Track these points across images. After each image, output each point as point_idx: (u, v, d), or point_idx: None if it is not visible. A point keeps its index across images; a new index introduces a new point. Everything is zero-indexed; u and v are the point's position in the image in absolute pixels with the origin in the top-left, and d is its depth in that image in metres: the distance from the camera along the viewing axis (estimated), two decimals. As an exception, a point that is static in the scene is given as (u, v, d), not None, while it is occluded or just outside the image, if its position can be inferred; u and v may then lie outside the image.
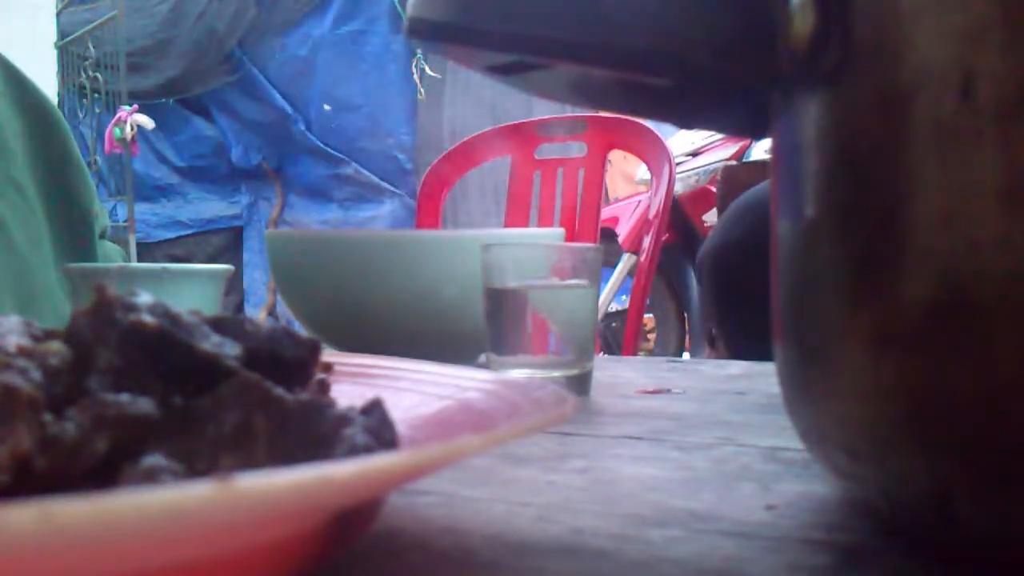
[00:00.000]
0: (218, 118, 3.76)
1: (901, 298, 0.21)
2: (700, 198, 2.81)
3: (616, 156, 3.06)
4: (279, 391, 0.21)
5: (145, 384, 0.21)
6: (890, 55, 0.21)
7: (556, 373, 0.50)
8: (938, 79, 0.20)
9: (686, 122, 0.32)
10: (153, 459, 0.19)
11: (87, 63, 3.56)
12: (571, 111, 1.65)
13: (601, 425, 0.42)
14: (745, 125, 0.30)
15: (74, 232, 0.93)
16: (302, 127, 3.62)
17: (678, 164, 2.60)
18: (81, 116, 3.61)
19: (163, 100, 3.70)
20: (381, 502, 0.23)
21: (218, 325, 0.23)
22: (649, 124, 1.49)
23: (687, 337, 3.14)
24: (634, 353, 1.46)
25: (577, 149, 1.51)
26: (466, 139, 1.61)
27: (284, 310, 3.44)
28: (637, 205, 2.75)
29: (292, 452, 0.20)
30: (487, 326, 0.51)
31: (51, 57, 3.74)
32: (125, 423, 0.20)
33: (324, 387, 0.25)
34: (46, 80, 3.34)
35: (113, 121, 2.94)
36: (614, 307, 2.57)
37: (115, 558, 0.15)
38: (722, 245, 0.92)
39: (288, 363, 0.23)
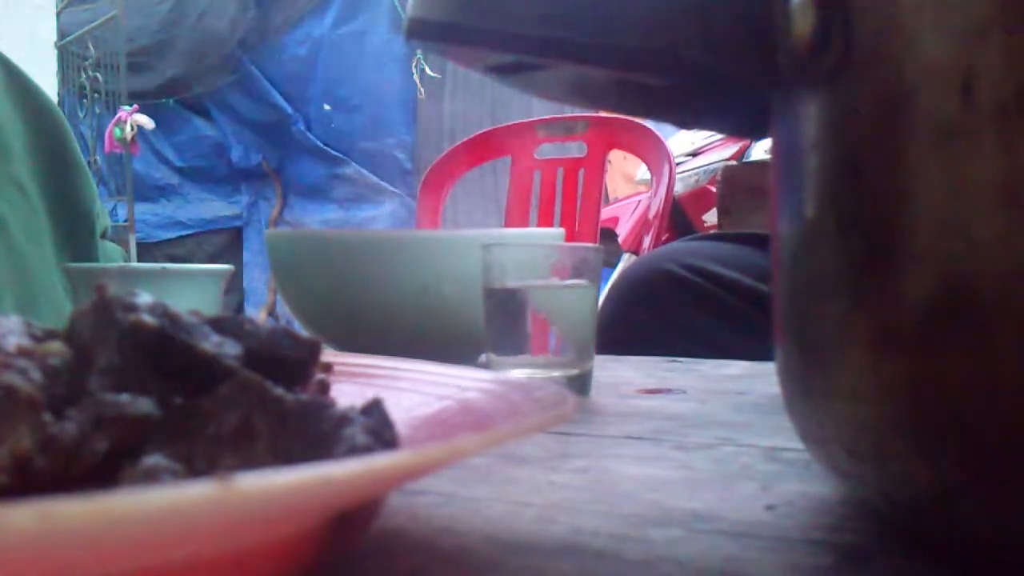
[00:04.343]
0: (218, 118, 3.76)
1: (901, 298, 0.21)
2: (700, 198, 2.81)
3: (616, 156, 3.06)
4: (279, 391, 0.21)
5: (145, 384, 0.21)
6: (890, 55, 0.21)
7: (556, 373, 0.50)
8: (938, 79, 0.20)
9: (686, 122, 0.32)
10: (153, 459, 0.19)
11: (87, 63, 3.56)
12: (571, 111, 1.65)
13: (601, 425, 0.42)
14: (745, 125, 0.30)
15: (75, 232, 0.93)
16: (302, 127, 3.63)
17: (678, 164, 2.60)
18: (81, 116, 3.61)
19: (163, 100, 3.70)
20: (381, 502, 0.23)
21: (218, 325, 0.23)
22: (649, 124, 1.49)
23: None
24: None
25: (577, 149, 1.51)
26: (465, 139, 1.62)
27: (284, 310, 3.44)
28: (637, 205, 2.75)
29: (292, 452, 0.20)
30: (487, 326, 0.51)
31: (51, 57, 3.74)
32: (125, 423, 0.20)
33: (324, 387, 0.25)
34: (46, 80, 3.34)
35: (113, 121, 2.93)
36: (614, 307, 2.57)
37: (115, 558, 0.15)
38: (602, 319, 1.00)
39: (288, 363, 0.23)
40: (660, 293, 0.93)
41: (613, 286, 1.03)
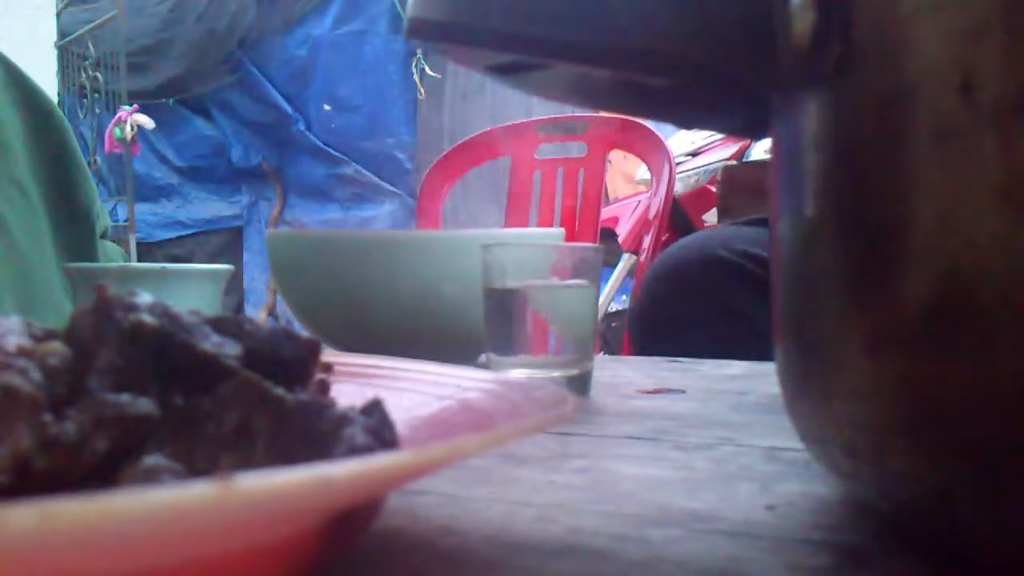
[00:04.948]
0: (218, 118, 3.76)
1: (901, 298, 0.21)
2: (700, 198, 2.81)
3: (616, 156, 3.06)
4: (279, 391, 0.21)
5: (145, 384, 0.21)
6: (890, 55, 0.21)
7: (556, 373, 0.50)
8: (938, 79, 0.20)
9: (686, 122, 0.32)
10: (153, 459, 0.19)
11: (87, 63, 3.56)
12: (571, 111, 1.65)
13: (601, 425, 0.42)
14: (745, 125, 0.30)
15: (75, 232, 0.93)
16: (302, 127, 3.62)
17: (678, 164, 2.60)
18: (81, 116, 3.60)
19: (163, 100, 3.70)
20: (381, 502, 0.23)
21: (218, 325, 0.23)
22: (649, 124, 1.49)
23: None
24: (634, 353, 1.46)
25: (577, 149, 1.51)
26: (466, 139, 1.62)
27: (284, 310, 3.44)
28: (637, 205, 2.74)
29: (292, 452, 0.20)
30: (487, 326, 0.51)
31: (51, 57, 3.74)
32: (125, 423, 0.20)
33: (324, 387, 0.25)
34: (46, 80, 3.34)
35: (113, 121, 2.93)
36: (614, 307, 2.57)
37: (115, 558, 0.15)
38: (639, 310, 0.96)
39: (288, 363, 0.23)
40: (710, 278, 0.92)
41: (654, 273, 1.00)
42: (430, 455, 0.18)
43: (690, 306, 0.92)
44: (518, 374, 0.48)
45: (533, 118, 1.69)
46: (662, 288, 0.95)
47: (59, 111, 0.97)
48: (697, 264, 0.93)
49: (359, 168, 3.59)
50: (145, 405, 0.20)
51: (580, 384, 0.50)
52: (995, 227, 0.19)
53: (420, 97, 3.54)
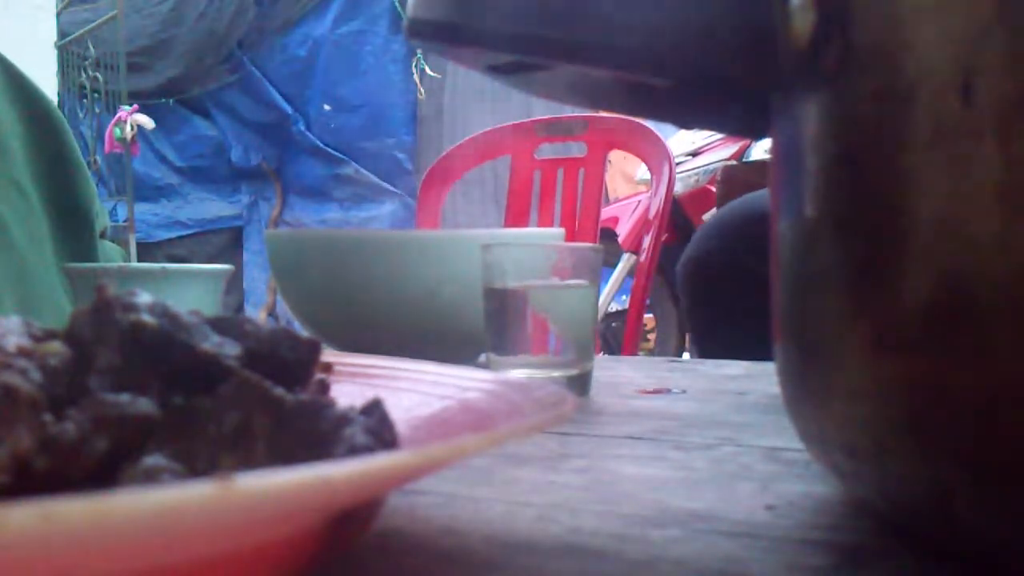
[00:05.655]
0: (218, 118, 3.76)
1: (901, 298, 0.21)
2: (700, 198, 2.81)
3: (616, 156, 3.06)
4: (279, 391, 0.21)
5: (145, 384, 0.21)
6: (890, 55, 0.21)
7: (556, 373, 0.50)
8: (938, 79, 0.20)
9: (686, 122, 0.32)
10: (153, 459, 0.19)
11: (87, 63, 3.56)
12: (571, 111, 1.65)
13: (601, 425, 0.42)
14: (745, 125, 0.30)
15: (74, 232, 0.93)
16: (302, 127, 3.63)
17: (678, 164, 2.60)
18: (81, 116, 3.61)
19: (163, 100, 3.71)
20: (381, 502, 0.23)
21: (218, 325, 0.23)
22: (649, 124, 1.49)
23: (687, 337, 3.14)
24: (634, 353, 1.46)
25: (577, 149, 1.51)
26: (466, 139, 1.61)
27: (284, 310, 3.44)
28: (637, 205, 2.75)
29: (292, 452, 0.20)
30: (487, 326, 0.51)
31: (51, 57, 3.74)
32: (125, 423, 0.20)
33: (324, 387, 0.25)
34: (46, 80, 3.34)
35: (113, 121, 2.93)
36: (614, 307, 2.57)
37: (115, 558, 0.15)
38: (697, 258, 0.93)
39: (288, 363, 0.23)
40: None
41: (718, 223, 0.94)
42: (430, 455, 0.18)
43: (753, 259, 0.89)
44: (518, 374, 0.48)
45: (533, 118, 1.69)
46: (726, 240, 0.91)
47: (58, 111, 0.97)
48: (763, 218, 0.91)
49: (359, 168, 3.59)
50: (145, 405, 0.20)
51: (580, 384, 0.50)
52: (995, 227, 0.19)
53: (420, 97, 3.54)
